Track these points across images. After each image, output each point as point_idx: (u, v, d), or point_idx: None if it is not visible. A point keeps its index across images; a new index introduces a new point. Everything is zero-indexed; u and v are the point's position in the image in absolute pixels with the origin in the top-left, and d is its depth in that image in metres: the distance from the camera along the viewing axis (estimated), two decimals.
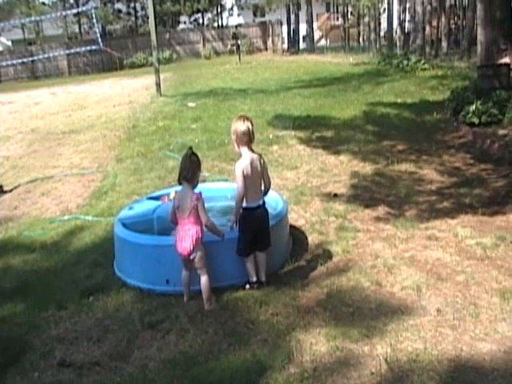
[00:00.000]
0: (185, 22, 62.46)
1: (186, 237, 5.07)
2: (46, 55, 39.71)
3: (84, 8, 39.49)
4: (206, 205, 5.25)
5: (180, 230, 5.14)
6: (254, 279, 5.43)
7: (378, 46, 39.76)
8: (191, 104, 17.13)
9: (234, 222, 5.41)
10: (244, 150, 5.30)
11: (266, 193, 5.51)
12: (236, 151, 5.46)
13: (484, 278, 5.36)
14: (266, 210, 5.47)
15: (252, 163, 5.26)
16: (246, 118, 5.31)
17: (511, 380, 3.85)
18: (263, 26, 48.60)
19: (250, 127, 5.24)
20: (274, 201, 6.56)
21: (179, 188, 5.38)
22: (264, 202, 5.43)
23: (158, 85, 20.62)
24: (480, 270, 5.56)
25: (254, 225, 5.36)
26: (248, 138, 5.26)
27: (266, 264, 5.49)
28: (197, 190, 5.21)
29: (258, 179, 5.33)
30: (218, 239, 5.29)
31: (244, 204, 5.31)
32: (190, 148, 5.37)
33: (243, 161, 5.26)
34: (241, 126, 5.23)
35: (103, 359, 4.50)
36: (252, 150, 5.34)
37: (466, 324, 4.59)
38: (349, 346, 4.38)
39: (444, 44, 34.66)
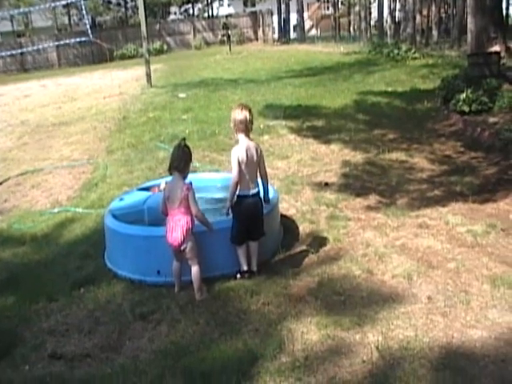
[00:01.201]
0: (175, 13, 62.35)
1: (177, 227, 5.05)
2: (35, 47, 39.49)
3: None
4: (197, 195, 5.23)
5: (170, 221, 5.12)
6: (245, 268, 5.43)
7: (368, 35, 39.67)
8: (182, 95, 17.08)
9: (228, 208, 5.41)
10: (241, 137, 5.34)
11: (265, 183, 5.52)
12: (236, 138, 5.47)
13: (475, 265, 5.38)
14: (261, 199, 5.47)
15: (248, 151, 5.28)
16: (244, 107, 5.33)
17: (502, 366, 3.87)
18: (254, 15, 48.53)
19: (248, 116, 5.26)
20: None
21: (169, 179, 5.36)
22: (258, 191, 5.43)
23: (149, 76, 20.57)
24: (471, 257, 5.58)
25: (247, 213, 5.37)
26: (244, 127, 5.29)
27: (257, 254, 5.49)
28: (187, 181, 5.19)
29: (253, 168, 5.35)
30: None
31: (238, 191, 5.33)
32: (183, 139, 5.36)
33: (239, 147, 5.30)
34: (238, 115, 5.27)
35: (94, 351, 4.49)
36: (249, 138, 5.37)
37: (456, 311, 4.60)
38: (340, 334, 4.39)
39: (434, 33, 34.69)
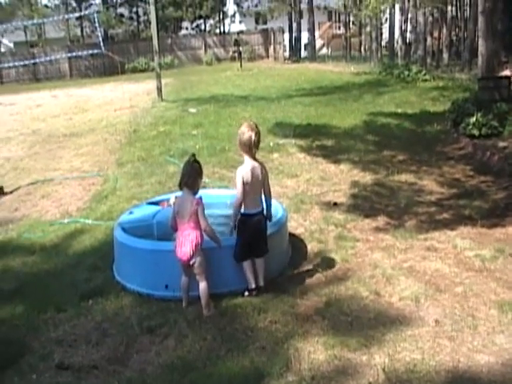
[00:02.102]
0: (187, 28, 62.65)
1: (186, 242, 5.08)
2: (47, 58, 39.79)
3: (86, 12, 39.61)
4: (206, 211, 5.26)
5: (180, 236, 5.15)
6: (253, 286, 5.43)
7: (379, 55, 39.77)
8: (192, 110, 17.17)
9: (232, 227, 5.47)
10: (246, 157, 5.36)
11: (269, 202, 5.55)
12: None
13: (482, 290, 5.38)
14: (265, 217, 5.51)
15: (253, 171, 5.29)
16: (251, 128, 5.29)
17: None
18: (265, 33, 48.74)
19: (253, 137, 5.23)
20: (273, 208, 6.57)
21: (179, 193, 5.40)
22: (263, 209, 5.46)
23: (160, 90, 20.69)
24: (478, 281, 5.58)
25: (250, 230, 5.40)
26: (248, 148, 5.29)
27: (264, 269, 5.50)
28: (197, 196, 5.23)
29: (258, 187, 5.38)
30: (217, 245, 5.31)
31: (242, 210, 5.37)
32: (193, 155, 5.41)
33: (243, 168, 5.32)
34: (243, 135, 5.27)
35: (101, 363, 4.50)
36: (254, 159, 5.37)
37: (463, 335, 4.61)
38: (347, 354, 4.39)
39: (445, 55, 34.73)
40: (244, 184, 5.25)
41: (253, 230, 5.40)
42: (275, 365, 4.28)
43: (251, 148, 5.28)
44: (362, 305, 5.21)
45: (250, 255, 5.45)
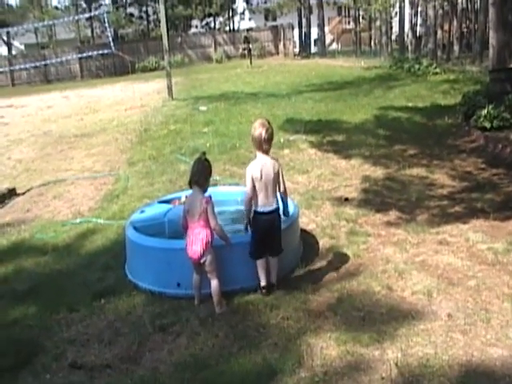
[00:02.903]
0: (196, 26, 62.72)
1: (197, 240, 5.09)
2: (58, 59, 39.95)
3: (96, 12, 39.74)
4: (217, 209, 5.26)
5: (190, 234, 5.16)
6: (263, 284, 5.39)
7: (389, 49, 39.63)
8: (203, 108, 17.19)
9: (246, 224, 5.45)
10: (258, 153, 5.32)
11: (285, 200, 5.51)
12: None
13: (495, 284, 5.35)
14: (279, 216, 5.42)
15: (263, 167, 5.23)
16: (262, 124, 5.26)
17: None
18: (275, 29, 48.70)
19: (263, 134, 5.18)
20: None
21: (190, 192, 5.40)
22: (277, 208, 5.38)
23: (170, 88, 20.73)
24: (491, 275, 5.54)
25: (263, 229, 5.34)
26: (259, 144, 5.25)
27: (277, 268, 5.48)
28: (207, 194, 5.23)
29: (269, 184, 5.27)
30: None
31: (254, 207, 5.33)
32: (204, 153, 5.41)
33: (253, 164, 5.30)
34: (254, 131, 5.25)
35: (114, 362, 4.52)
36: (267, 155, 5.31)
37: (477, 329, 4.58)
38: (359, 350, 4.38)
39: (456, 48, 34.60)
40: (253, 180, 5.22)
41: (266, 229, 5.34)
42: (288, 361, 4.28)
43: (261, 144, 5.23)
44: (375, 300, 5.19)
45: (264, 253, 5.41)
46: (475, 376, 3.98)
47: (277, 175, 5.30)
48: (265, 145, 5.24)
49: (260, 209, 5.30)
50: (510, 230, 6.76)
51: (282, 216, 5.49)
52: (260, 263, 5.40)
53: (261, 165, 5.25)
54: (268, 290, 5.38)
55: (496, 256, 5.97)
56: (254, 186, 5.24)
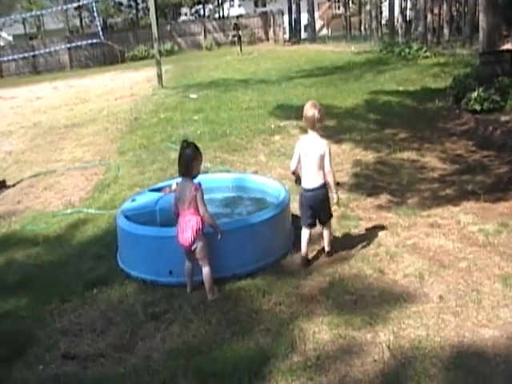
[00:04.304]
0: (186, 14, 62.50)
1: (187, 228, 5.08)
2: (47, 49, 39.65)
3: (85, 1, 39.26)
4: (208, 196, 5.25)
5: (181, 221, 5.15)
6: (303, 254, 5.73)
7: (379, 34, 39.49)
8: (193, 95, 17.14)
9: (295, 180, 5.82)
10: (310, 131, 5.66)
11: (330, 180, 5.60)
12: None
13: (486, 265, 5.37)
14: (326, 191, 5.63)
15: (311, 145, 5.57)
16: (314, 106, 5.59)
17: None
18: (264, 16, 48.53)
19: (316, 114, 5.51)
20: (276, 190, 6.58)
21: (180, 179, 5.39)
22: (321, 185, 5.58)
23: (160, 77, 20.66)
24: (482, 256, 5.56)
25: (308, 204, 5.68)
26: (312, 124, 5.57)
27: (328, 236, 5.81)
28: (196, 181, 5.21)
29: (314, 162, 5.54)
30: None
31: (301, 184, 5.70)
32: (184, 141, 5.37)
33: (303, 139, 5.71)
34: (307, 112, 5.58)
35: (107, 351, 4.52)
36: (316, 133, 5.61)
37: (468, 310, 4.60)
38: (352, 333, 4.40)
39: (446, 31, 34.44)
40: (299, 154, 5.60)
41: (311, 204, 5.65)
42: (280, 346, 4.29)
43: (314, 123, 5.57)
44: (366, 283, 5.20)
45: (310, 224, 5.75)
46: (467, 357, 3.99)
47: (323, 155, 5.54)
48: (317, 124, 5.59)
49: (305, 185, 5.65)
50: (500, 211, 6.78)
51: (333, 194, 5.71)
52: (304, 234, 5.77)
53: (310, 142, 5.60)
54: (304, 262, 5.72)
55: (487, 237, 5.99)
56: (299, 159, 5.62)
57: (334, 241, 5.97)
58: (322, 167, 5.55)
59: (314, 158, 5.53)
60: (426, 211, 6.91)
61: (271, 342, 4.38)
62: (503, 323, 4.38)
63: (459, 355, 4.01)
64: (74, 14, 57.45)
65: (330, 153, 5.58)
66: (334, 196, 5.69)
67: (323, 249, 5.93)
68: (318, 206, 5.66)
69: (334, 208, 5.93)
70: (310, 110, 5.56)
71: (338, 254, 5.90)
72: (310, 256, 5.86)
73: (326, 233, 5.84)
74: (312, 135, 5.62)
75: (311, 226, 5.76)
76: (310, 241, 5.82)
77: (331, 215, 5.86)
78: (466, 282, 5.08)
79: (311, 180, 5.58)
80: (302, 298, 5.02)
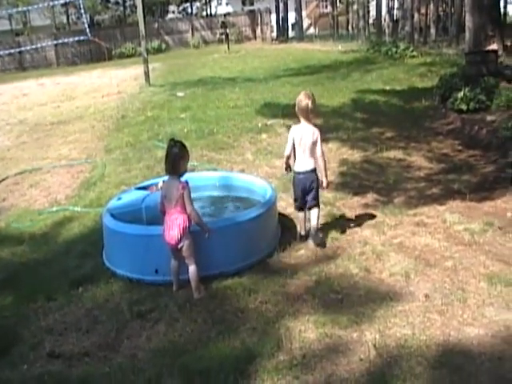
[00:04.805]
0: (173, 12, 62.36)
1: (174, 226, 5.07)
2: (33, 46, 39.28)
3: None
4: (194, 194, 5.24)
5: (167, 220, 5.13)
6: (302, 233, 6.26)
7: (366, 33, 39.53)
8: (180, 93, 17.10)
9: (285, 168, 6.28)
10: (302, 120, 6.05)
11: (321, 164, 6.06)
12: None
13: (472, 264, 5.39)
14: (314, 176, 6.06)
15: (303, 133, 5.97)
16: (307, 96, 5.99)
17: (498, 364, 3.89)
18: (252, 14, 48.45)
19: (309, 104, 5.92)
20: (262, 189, 6.58)
21: (167, 177, 5.37)
22: (312, 169, 6.04)
23: (147, 75, 20.58)
24: (468, 255, 5.59)
25: (299, 187, 6.12)
26: (305, 113, 5.97)
27: (316, 220, 6.11)
28: (183, 179, 5.20)
29: (307, 148, 5.98)
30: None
31: (293, 167, 6.16)
32: (171, 140, 5.35)
33: (295, 128, 6.08)
34: (301, 102, 5.98)
35: (92, 350, 4.50)
36: (308, 122, 6.01)
37: (453, 309, 4.62)
38: (337, 332, 4.40)
39: (433, 31, 34.52)
40: (293, 141, 6.01)
41: (301, 187, 6.09)
42: (266, 345, 4.28)
43: (308, 113, 5.97)
44: (353, 282, 5.21)
45: (303, 207, 6.20)
46: (452, 355, 4.01)
47: (315, 141, 5.98)
48: (310, 114, 6.00)
49: (297, 169, 6.10)
50: (485, 210, 6.82)
51: (323, 178, 6.14)
52: (300, 215, 6.29)
53: (302, 130, 6.00)
54: (300, 238, 6.23)
55: (472, 236, 6.02)
56: (293, 146, 6.03)
57: (323, 231, 6.30)
58: (313, 153, 6.00)
59: (306, 144, 5.96)
60: (413, 210, 6.94)
61: (257, 340, 4.38)
62: (488, 322, 4.40)
63: (445, 354, 4.03)
64: (61, 10, 57.04)
65: (320, 139, 6.01)
66: (323, 180, 6.12)
67: (300, 235, 6.28)
68: (308, 188, 6.06)
69: (321, 194, 6.36)
70: (304, 101, 5.94)
71: (324, 252, 5.91)
72: (295, 255, 5.90)
73: (313, 214, 6.13)
74: (304, 124, 6.01)
75: (303, 209, 6.24)
76: (306, 220, 6.25)
77: (319, 204, 6.18)
78: (451, 280, 5.10)
79: (303, 164, 6.03)
80: (288, 297, 5.02)
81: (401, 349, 4.12)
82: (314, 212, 6.14)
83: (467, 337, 4.23)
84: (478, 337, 4.21)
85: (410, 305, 4.74)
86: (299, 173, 6.09)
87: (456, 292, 4.88)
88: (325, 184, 6.14)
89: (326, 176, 6.13)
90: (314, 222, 6.11)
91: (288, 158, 6.17)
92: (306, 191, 6.08)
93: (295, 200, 6.28)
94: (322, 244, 6.04)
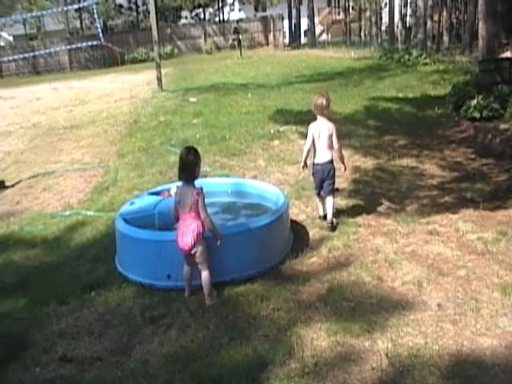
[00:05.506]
0: (186, 17, 62.51)
1: (187, 232, 5.07)
2: (47, 50, 39.60)
3: (85, 3, 39.28)
4: (207, 200, 5.25)
5: (181, 225, 5.14)
6: (321, 213, 7.02)
7: (379, 40, 39.61)
8: (192, 99, 17.14)
9: (302, 166, 6.96)
10: (318, 117, 6.72)
11: (338, 154, 6.84)
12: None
13: (485, 273, 5.37)
14: (331, 166, 6.76)
15: (321, 129, 6.64)
16: (322, 95, 6.76)
17: None
18: (264, 20, 48.55)
19: (324, 102, 6.63)
20: (274, 195, 6.58)
21: (180, 183, 5.38)
22: (329, 161, 6.73)
23: (160, 80, 20.65)
24: (481, 264, 5.56)
25: (318, 176, 6.79)
26: (321, 110, 6.65)
27: (331, 207, 6.75)
28: (198, 185, 5.21)
29: (324, 142, 6.66)
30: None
31: (313, 159, 6.80)
32: (186, 147, 5.38)
33: (314, 125, 6.73)
34: (316, 100, 6.69)
35: (104, 354, 4.51)
36: (324, 118, 6.68)
37: (466, 319, 4.59)
38: (350, 340, 4.39)
39: (445, 38, 34.51)
40: (313, 137, 6.67)
41: (319, 176, 6.76)
42: (278, 352, 4.27)
43: (323, 109, 6.66)
44: (365, 290, 5.20)
45: (320, 193, 6.88)
46: (465, 365, 3.99)
47: (331, 134, 6.66)
48: (325, 110, 6.69)
49: (317, 161, 6.77)
50: (499, 219, 6.78)
51: (341, 165, 6.94)
52: (318, 199, 7.02)
53: (320, 126, 6.67)
54: (325, 219, 6.86)
55: (485, 246, 5.99)
56: (313, 141, 6.69)
57: (337, 217, 6.90)
58: (330, 146, 6.70)
59: (324, 138, 6.64)
60: (425, 218, 6.92)
61: (269, 347, 4.37)
62: (502, 332, 4.37)
63: (457, 364, 4.01)
64: (75, 15, 57.42)
65: (336, 132, 6.69)
66: (341, 167, 6.93)
67: (319, 216, 7.04)
68: (325, 177, 6.71)
69: (337, 181, 7.08)
70: (319, 99, 6.66)
71: (336, 260, 5.90)
72: (307, 262, 5.89)
73: (329, 201, 6.77)
74: (321, 120, 6.67)
75: (320, 195, 6.91)
76: (324, 203, 6.90)
77: (334, 189, 6.88)
78: (464, 290, 5.07)
79: (322, 156, 6.71)
80: (300, 305, 5.01)
81: (413, 358, 4.10)
82: (330, 200, 6.75)
83: (480, 347, 4.20)
84: (491, 347, 4.19)
85: (422, 314, 4.72)
86: (318, 164, 6.76)
87: (469, 301, 4.85)
88: (343, 170, 6.99)
89: (344, 163, 6.92)
90: (329, 209, 6.74)
91: (308, 151, 6.79)
92: (323, 179, 6.73)
93: (316, 187, 6.91)
94: (332, 227, 6.68)
